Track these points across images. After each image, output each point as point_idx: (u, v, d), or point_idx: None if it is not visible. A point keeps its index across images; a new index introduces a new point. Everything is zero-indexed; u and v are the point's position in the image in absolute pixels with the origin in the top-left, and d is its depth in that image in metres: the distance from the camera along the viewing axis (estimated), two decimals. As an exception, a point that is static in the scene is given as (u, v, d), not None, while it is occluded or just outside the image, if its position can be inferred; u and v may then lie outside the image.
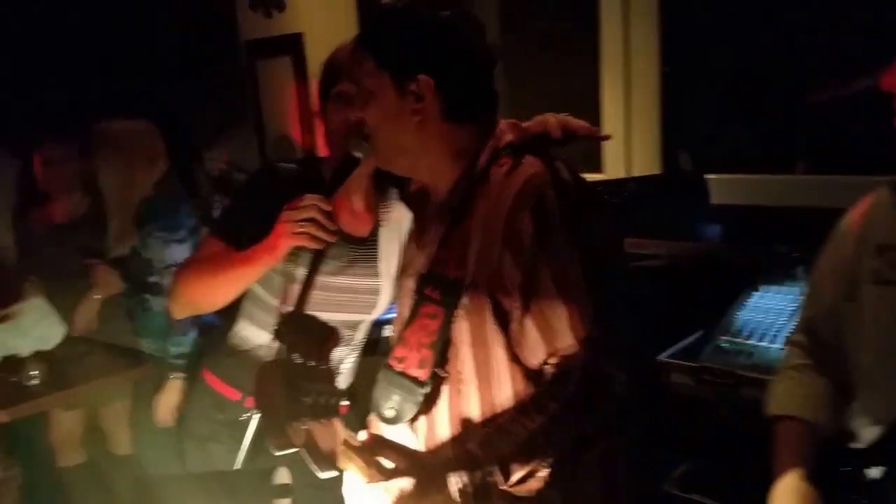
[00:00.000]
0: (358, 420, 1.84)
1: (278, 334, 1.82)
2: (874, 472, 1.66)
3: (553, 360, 1.52)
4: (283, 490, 1.79)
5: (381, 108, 1.64)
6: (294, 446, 1.40)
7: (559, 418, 1.48)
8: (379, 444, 1.48)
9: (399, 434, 1.65)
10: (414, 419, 1.66)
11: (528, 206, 1.52)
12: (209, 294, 2.07)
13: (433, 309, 1.63)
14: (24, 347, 3.43)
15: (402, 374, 1.65)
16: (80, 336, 3.59)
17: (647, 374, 2.45)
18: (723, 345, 2.42)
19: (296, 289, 2.01)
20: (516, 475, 1.46)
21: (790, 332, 1.97)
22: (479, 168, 1.64)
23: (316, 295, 2.04)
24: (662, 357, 2.46)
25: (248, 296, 2.15)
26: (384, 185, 2.08)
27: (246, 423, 2.06)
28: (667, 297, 2.70)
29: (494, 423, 1.56)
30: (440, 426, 1.64)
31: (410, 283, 1.74)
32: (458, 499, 1.40)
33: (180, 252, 3.20)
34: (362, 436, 1.49)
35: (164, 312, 3.27)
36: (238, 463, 2.06)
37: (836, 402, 1.77)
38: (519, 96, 3.58)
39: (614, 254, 1.69)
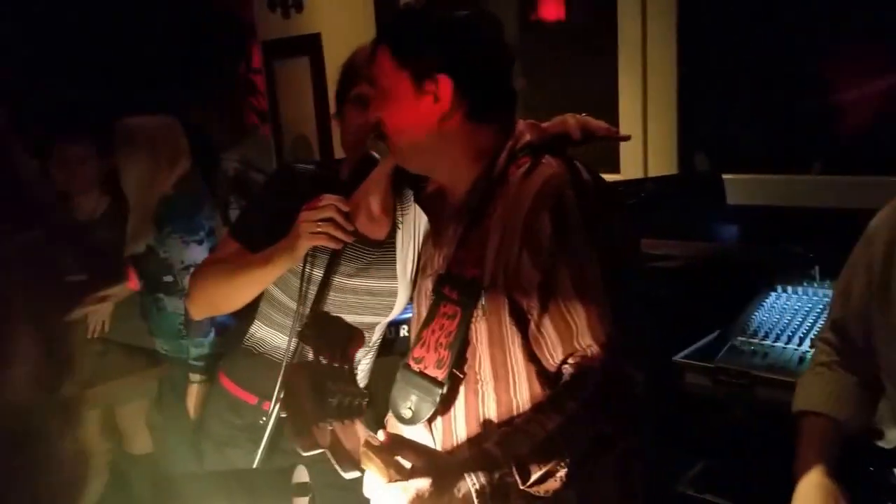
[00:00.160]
0: (374, 421, 1.85)
1: (303, 336, 1.82)
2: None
3: (571, 361, 1.51)
4: (302, 489, 1.80)
5: (400, 107, 1.65)
6: (320, 447, 1.41)
7: (578, 418, 1.47)
8: (398, 444, 1.48)
9: (416, 434, 1.66)
10: (431, 419, 1.66)
11: (548, 206, 1.52)
12: (228, 295, 2.07)
13: (451, 309, 1.63)
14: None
15: (421, 374, 1.66)
16: (96, 336, 3.61)
17: (662, 375, 2.45)
18: (738, 345, 2.41)
19: (313, 291, 2.03)
20: (534, 475, 1.44)
21: (817, 331, 1.96)
22: (498, 168, 1.64)
23: (333, 297, 2.05)
24: (678, 357, 2.46)
25: (264, 297, 2.16)
26: (401, 186, 2.08)
27: (264, 427, 2.06)
28: (682, 298, 2.69)
29: (512, 423, 1.55)
30: (458, 426, 1.65)
31: (428, 284, 1.74)
32: (476, 499, 1.40)
33: (199, 253, 3.18)
34: (381, 436, 1.50)
35: (179, 312, 3.28)
36: (255, 465, 2.07)
37: (864, 400, 1.77)
38: (536, 97, 3.58)
39: (632, 254, 1.69)
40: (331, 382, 1.49)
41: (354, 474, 1.45)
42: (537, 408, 1.54)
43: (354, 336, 1.66)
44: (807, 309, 2.46)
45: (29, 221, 0.56)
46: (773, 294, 2.58)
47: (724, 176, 3.02)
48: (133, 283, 3.54)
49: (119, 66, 4.57)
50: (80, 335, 3.50)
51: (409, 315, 1.96)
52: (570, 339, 1.51)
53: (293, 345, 2.06)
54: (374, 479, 1.47)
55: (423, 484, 1.42)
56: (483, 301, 1.58)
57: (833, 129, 3.01)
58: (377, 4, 4.24)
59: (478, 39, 1.64)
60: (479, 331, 1.60)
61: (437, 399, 1.62)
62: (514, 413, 1.58)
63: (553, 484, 1.47)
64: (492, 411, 1.61)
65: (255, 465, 2.05)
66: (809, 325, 2.39)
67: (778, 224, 2.90)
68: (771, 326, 2.44)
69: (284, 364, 2.03)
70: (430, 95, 1.61)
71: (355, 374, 1.89)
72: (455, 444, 1.65)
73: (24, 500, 0.55)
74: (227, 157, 4.63)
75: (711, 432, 2.48)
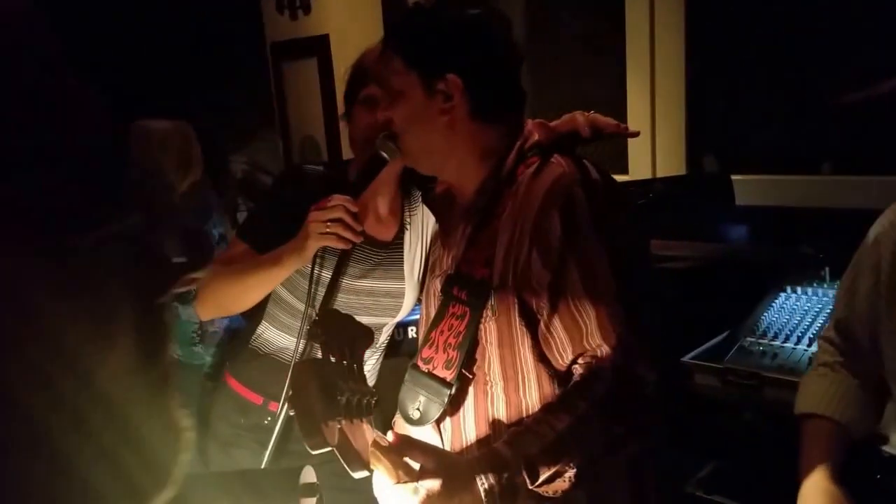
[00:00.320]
0: (381, 421, 1.85)
1: (312, 334, 1.82)
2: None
3: (582, 361, 1.51)
4: (310, 489, 1.79)
5: (410, 107, 1.64)
6: (329, 445, 1.40)
7: (588, 419, 1.46)
8: (406, 445, 1.48)
9: (425, 435, 1.65)
10: (440, 420, 1.66)
11: (557, 205, 1.51)
12: (236, 296, 2.07)
13: (460, 309, 1.63)
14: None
15: (429, 375, 1.65)
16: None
17: (671, 376, 2.44)
18: (748, 346, 2.40)
19: (321, 292, 2.02)
20: (543, 476, 1.43)
21: (821, 330, 1.94)
22: (506, 168, 1.64)
23: (340, 298, 2.05)
24: (687, 358, 2.45)
25: (272, 298, 2.15)
26: (409, 187, 2.08)
27: (269, 428, 2.06)
28: (692, 298, 2.69)
29: (521, 424, 1.54)
30: (467, 427, 1.64)
31: (437, 284, 1.74)
32: (484, 499, 1.40)
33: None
34: (390, 437, 1.49)
35: (193, 321, 3.27)
36: (263, 466, 2.06)
37: (868, 404, 1.74)
38: (544, 97, 3.57)
39: (642, 253, 1.68)
40: (340, 380, 1.48)
41: (363, 474, 1.45)
42: (547, 408, 1.53)
43: (364, 334, 1.66)
44: (816, 309, 2.45)
45: (138, 207, 0.60)
46: (783, 295, 2.57)
47: (733, 177, 3.01)
48: None
49: (131, 69, 4.57)
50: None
51: (417, 316, 1.96)
52: (580, 338, 1.50)
53: (301, 345, 2.06)
54: (382, 480, 1.47)
55: (432, 485, 1.41)
56: (492, 301, 1.58)
57: (842, 130, 3.00)
58: (385, 6, 4.23)
59: (487, 39, 1.64)
60: (489, 331, 1.59)
61: (446, 400, 1.62)
62: (524, 414, 1.58)
63: (562, 484, 1.46)
64: (501, 412, 1.60)
65: (262, 466, 2.05)
66: (819, 325, 2.37)
67: (787, 225, 2.89)
68: (780, 327, 2.43)
69: (292, 364, 2.03)
70: (440, 95, 1.60)
71: (364, 373, 1.89)
72: (464, 445, 1.64)
73: (132, 465, 0.57)
74: (235, 158, 4.63)
75: (721, 433, 2.47)
